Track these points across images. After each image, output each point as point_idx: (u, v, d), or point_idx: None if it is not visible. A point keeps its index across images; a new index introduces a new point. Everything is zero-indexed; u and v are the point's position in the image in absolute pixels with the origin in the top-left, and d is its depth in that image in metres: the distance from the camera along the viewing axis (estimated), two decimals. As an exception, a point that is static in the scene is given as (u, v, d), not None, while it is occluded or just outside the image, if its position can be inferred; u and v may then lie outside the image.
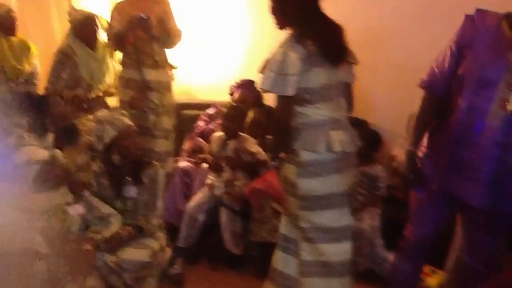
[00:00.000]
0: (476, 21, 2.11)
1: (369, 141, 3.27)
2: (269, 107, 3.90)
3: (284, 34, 2.26)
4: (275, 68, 2.12)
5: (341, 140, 2.23)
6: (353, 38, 3.86)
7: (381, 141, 3.34)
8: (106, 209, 2.68)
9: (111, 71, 3.70)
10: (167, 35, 3.55)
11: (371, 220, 3.11)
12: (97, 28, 3.57)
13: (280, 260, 2.43)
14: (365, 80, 3.96)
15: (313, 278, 2.28)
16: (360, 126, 3.68)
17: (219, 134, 3.46)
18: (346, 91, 2.35)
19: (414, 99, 3.67)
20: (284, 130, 2.21)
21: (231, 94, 3.92)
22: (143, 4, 3.51)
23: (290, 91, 2.13)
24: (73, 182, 2.66)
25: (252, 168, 3.26)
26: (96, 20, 3.56)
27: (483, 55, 2.05)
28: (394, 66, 3.89)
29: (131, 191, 2.73)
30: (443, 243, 2.91)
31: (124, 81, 3.62)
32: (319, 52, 2.15)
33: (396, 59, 3.88)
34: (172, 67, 3.91)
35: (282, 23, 2.25)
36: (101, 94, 3.65)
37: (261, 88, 2.20)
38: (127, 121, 2.74)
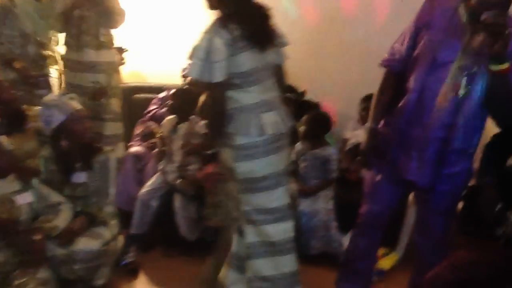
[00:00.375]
0: (435, 3, 2.12)
1: (320, 123, 3.28)
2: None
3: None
4: (201, 55, 2.13)
5: (273, 122, 2.27)
6: (306, 20, 3.96)
7: (331, 123, 3.37)
8: (55, 197, 2.58)
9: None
10: (109, 13, 3.42)
11: (325, 203, 3.14)
12: None
13: (234, 241, 2.46)
14: (318, 62, 4.01)
15: (259, 259, 2.33)
16: (311, 108, 3.73)
17: (170, 117, 3.39)
18: (277, 72, 2.38)
19: (367, 82, 3.73)
20: (218, 116, 2.23)
21: (184, 77, 3.84)
22: None
23: (218, 77, 2.13)
24: (21, 170, 2.55)
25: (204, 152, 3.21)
26: None
27: (437, 36, 2.06)
28: (346, 48, 3.92)
29: (81, 177, 2.65)
30: (394, 225, 2.98)
31: (70, 63, 3.49)
32: (245, 36, 2.16)
33: (348, 41, 3.91)
34: (122, 50, 3.80)
35: (212, 4, 2.25)
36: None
37: (187, 76, 2.19)
38: (76, 105, 2.64)
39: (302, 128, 3.23)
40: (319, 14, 3.97)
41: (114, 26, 3.53)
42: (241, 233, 2.39)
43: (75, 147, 2.64)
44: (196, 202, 3.14)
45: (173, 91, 3.47)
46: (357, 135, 3.54)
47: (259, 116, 2.24)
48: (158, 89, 4.08)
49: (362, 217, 2.49)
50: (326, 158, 3.22)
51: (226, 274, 2.49)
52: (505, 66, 1.91)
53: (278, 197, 2.31)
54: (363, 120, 3.66)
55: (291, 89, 3.72)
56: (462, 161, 2.16)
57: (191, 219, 3.16)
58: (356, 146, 3.53)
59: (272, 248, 2.32)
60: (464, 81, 2.00)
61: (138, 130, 3.78)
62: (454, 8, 2.05)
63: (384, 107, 2.31)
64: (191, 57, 2.17)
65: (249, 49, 2.18)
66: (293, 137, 3.17)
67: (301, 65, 4.00)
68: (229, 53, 2.13)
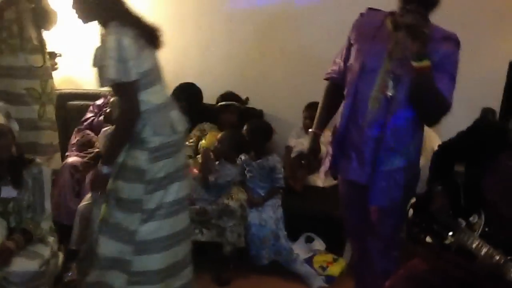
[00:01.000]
0: (365, 17, 2.32)
1: (261, 133, 3.25)
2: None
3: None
4: (114, 55, 2.08)
5: (180, 119, 2.34)
6: (248, 27, 3.91)
7: (272, 131, 3.33)
8: None
9: None
10: (41, 14, 3.24)
11: (273, 213, 3.09)
12: None
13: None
14: (261, 69, 3.97)
15: (155, 253, 2.29)
16: (255, 117, 3.68)
17: (105, 129, 3.21)
18: None
19: (310, 89, 3.73)
20: (133, 120, 2.18)
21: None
22: None
23: (134, 76, 2.12)
24: None
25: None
26: None
27: (366, 45, 2.22)
28: (288, 55, 3.91)
29: (10, 191, 2.43)
30: (340, 230, 2.98)
31: (3, 70, 3.23)
32: (141, 35, 2.17)
33: (290, 48, 3.90)
34: (55, 54, 3.63)
35: (87, 17, 2.27)
36: None
37: (104, 80, 2.14)
38: None
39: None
40: (261, 22, 3.92)
41: (47, 28, 3.35)
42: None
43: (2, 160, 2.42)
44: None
45: (111, 99, 3.30)
46: (302, 143, 3.53)
47: (169, 115, 2.27)
48: (94, 96, 3.88)
49: (345, 226, 2.57)
50: (272, 167, 3.17)
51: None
52: (425, 63, 2.04)
53: (184, 188, 2.36)
54: (306, 128, 3.64)
55: (234, 96, 3.65)
56: (396, 159, 2.25)
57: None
58: (300, 154, 3.51)
59: (171, 241, 2.31)
60: (391, 83, 2.16)
61: (75, 139, 3.57)
62: (382, 20, 2.23)
63: (327, 114, 2.46)
64: (97, 62, 2.12)
65: (148, 47, 2.20)
66: (243, 145, 3.13)
67: (243, 72, 3.97)
68: (138, 51, 2.13)
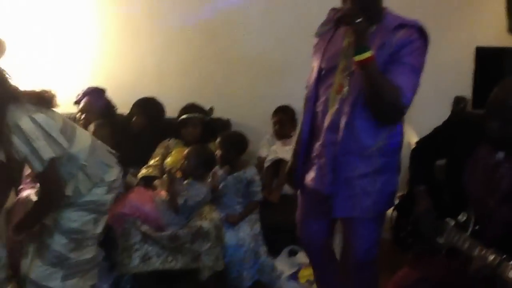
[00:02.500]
0: (325, 20, 2.19)
1: (235, 144, 3.06)
2: (122, 118, 3.53)
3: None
4: (38, 135, 1.97)
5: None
6: (203, 31, 3.76)
7: (246, 142, 3.16)
8: None
9: None
10: None
11: (250, 229, 2.93)
12: None
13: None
14: (223, 77, 3.83)
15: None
16: (223, 127, 3.50)
17: None
18: None
19: (276, 94, 3.63)
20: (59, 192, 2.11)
21: (77, 103, 3.45)
22: None
23: (65, 144, 2.07)
24: None
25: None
26: None
27: (324, 46, 2.15)
28: (249, 61, 3.78)
29: None
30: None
31: None
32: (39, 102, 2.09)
33: (250, 54, 3.78)
34: None
35: None
36: None
37: (44, 162, 2.00)
38: None
39: (218, 152, 2.99)
40: (217, 27, 3.78)
41: None
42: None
43: None
44: (106, 248, 2.76)
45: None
46: (275, 150, 3.38)
47: (99, 161, 2.25)
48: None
49: (302, 241, 2.44)
50: (249, 179, 3.00)
51: None
52: (365, 55, 1.90)
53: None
54: (277, 134, 3.50)
55: (196, 108, 3.45)
56: (357, 164, 2.07)
57: (101, 268, 2.77)
58: (275, 162, 3.38)
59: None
60: (346, 81, 2.04)
61: (29, 170, 3.32)
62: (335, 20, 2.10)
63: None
64: (26, 147, 1.95)
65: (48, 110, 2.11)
66: (211, 161, 2.95)
67: (204, 81, 3.82)
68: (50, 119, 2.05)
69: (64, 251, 2.16)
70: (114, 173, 2.32)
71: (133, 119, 3.42)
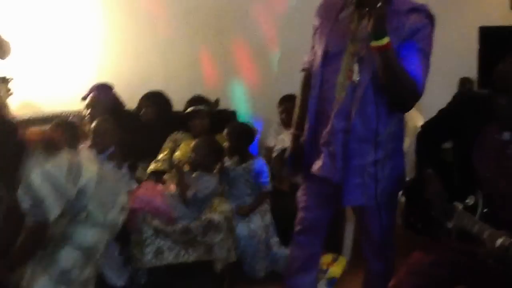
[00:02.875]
0: (325, 1, 2.16)
1: (243, 135, 3.06)
2: (129, 113, 3.54)
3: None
4: (46, 193, 2.02)
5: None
6: (207, 22, 3.75)
7: (254, 132, 3.17)
8: None
9: None
10: None
11: (261, 220, 2.93)
12: None
13: None
14: (227, 67, 3.81)
15: None
16: (229, 119, 3.51)
17: None
18: None
19: (283, 82, 3.61)
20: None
21: (84, 98, 3.47)
22: None
23: (72, 191, 2.14)
24: None
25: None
26: None
27: (328, 28, 2.06)
28: (254, 51, 3.77)
29: None
30: (337, 227, 2.85)
31: None
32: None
33: (255, 43, 3.76)
34: (7, 80, 3.48)
35: None
36: None
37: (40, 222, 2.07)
38: None
39: (226, 144, 2.99)
40: (220, 18, 3.76)
41: (1, 57, 3.23)
42: None
43: None
44: (120, 244, 2.80)
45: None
46: (282, 139, 3.38)
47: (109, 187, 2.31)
48: (55, 118, 3.65)
49: (298, 226, 2.34)
50: (258, 170, 3.00)
51: None
52: (384, 41, 1.86)
53: None
54: (284, 123, 3.50)
55: (202, 100, 3.46)
56: (369, 151, 2.05)
57: (116, 263, 2.81)
58: (283, 151, 3.37)
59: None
60: (356, 67, 1.98)
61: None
62: (343, 1, 2.07)
63: (305, 109, 2.20)
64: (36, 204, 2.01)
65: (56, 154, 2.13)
66: (219, 152, 2.96)
67: (211, 74, 3.81)
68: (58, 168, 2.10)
69: (72, 266, 2.17)
70: (124, 195, 2.40)
71: (142, 111, 3.42)
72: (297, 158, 2.25)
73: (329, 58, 2.05)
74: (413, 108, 3.15)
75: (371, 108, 2.01)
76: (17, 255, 2.14)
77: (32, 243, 2.13)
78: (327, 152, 2.08)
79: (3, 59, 3.24)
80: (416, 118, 3.17)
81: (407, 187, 2.41)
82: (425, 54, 2.00)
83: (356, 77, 1.98)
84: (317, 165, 2.13)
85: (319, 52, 2.08)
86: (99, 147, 3.03)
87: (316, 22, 2.16)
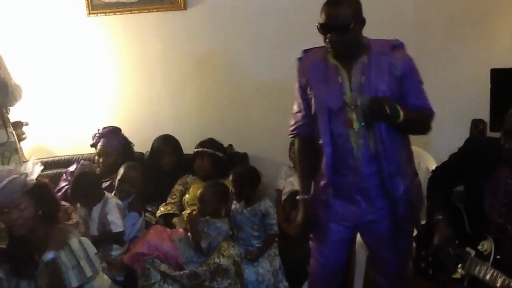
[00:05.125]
0: (304, 61, 2.23)
1: (248, 180, 3.03)
2: (141, 156, 3.57)
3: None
4: (83, 256, 2.22)
5: None
6: (218, 66, 3.79)
7: (259, 176, 3.15)
8: None
9: None
10: (3, 92, 3.10)
11: (270, 265, 2.88)
12: None
13: None
14: (239, 110, 3.83)
15: None
16: (241, 161, 3.50)
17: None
18: None
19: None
20: None
21: (94, 146, 3.50)
22: None
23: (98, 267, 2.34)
24: None
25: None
26: None
27: (321, 89, 2.15)
28: (264, 93, 3.77)
29: None
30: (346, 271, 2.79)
31: None
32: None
33: (265, 85, 3.76)
34: (21, 124, 3.51)
35: None
36: None
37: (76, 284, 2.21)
38: None
39: (232, 189, 2.99)
40: (232, 61, 3.80)
41: (11, 104, 3.22)
42: None
43: None
44: (126, 288, 2.78)
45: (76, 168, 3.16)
46: (291, 182, 3.36)
47: None
48: (67, 162, 3.71)
49: (313, 274, 2.44)
50: (264, 212, 2.97)
51: None
52: (401, 117, 2.04)
53: None
54: (296, 164, 3.47)
55: (213, 142, 3.46)
56: (402, 181, 2.19)
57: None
58: (293, 193, 3.35)
59: None
60: (354, 115, 2.10)
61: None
62: (323, 57, 2.17)
63: (310, 173, 2.33)
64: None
65: None
66: (226, 196, 2.95)
67: (221, 118, 3.83)
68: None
69: None
70: None
71: (165, 159, 3.43)
72: (311, 221, 2.33)
73: (334, 115, 2.14)
74: (425, 151, 3.18)
75: (395, 144, 2.15)
76: None
77: None
78: (363, 198, 2.19)
79: (12, 106, 3.25)
80: (426, 159, 3.14)
81: (418, 232, 2.38)
82: (421, 83, 2.19)
83: (356, 125, 2.10)
84: (356, 214, 2.23)
85: (323, 113, 2.15)
86: (122, 194, 3.07)
87: (302, 82, 2.23)
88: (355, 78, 2.11)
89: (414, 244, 2.37)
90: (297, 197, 2.37)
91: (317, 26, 2.08)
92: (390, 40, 2.16)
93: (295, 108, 2.30)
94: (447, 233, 2.12)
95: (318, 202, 2.27)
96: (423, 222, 2.37)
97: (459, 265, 2.09)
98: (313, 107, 2.19)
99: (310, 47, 2.28)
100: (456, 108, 3.45)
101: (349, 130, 2.11)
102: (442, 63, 3.45)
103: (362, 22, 2.10)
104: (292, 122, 2.32)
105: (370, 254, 2.49)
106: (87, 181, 3.01)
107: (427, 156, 3.21)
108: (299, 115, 2.27)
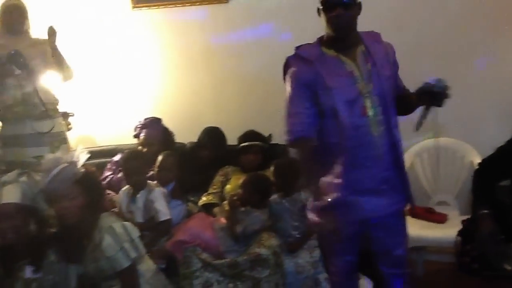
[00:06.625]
0: (304, 56, 2.15)
1: (289, 174, 3.01)
2: (182, 146, 3.63)
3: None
4: (126, 238, 2.29)
5: None
6: (260, 57, 3.81)
7: (299, 168, 3.14)
8: None
9: None
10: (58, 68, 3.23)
11: (309, 256, 2.88)
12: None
13: None
14: (280, 101, 3.82)
15: None
16: (280, 154, 3.51)
17: (124, 189, 3.10)
18: None
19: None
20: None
21: (136, 136, 3.58)
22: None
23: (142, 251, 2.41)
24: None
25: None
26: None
27: (335, 80, 2.06)
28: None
29: (29, 272, 2.33)
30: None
31: (6, 139, 3.23)
32: None
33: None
34: (68, 114, 3.60)
35: None
36: None
37: (127, 264, 2.30)
38: (2, 198, 2.32)
39: (273, 180, 3.01)
40: (274, 53, 3.81)
41: (63, 80, 3.33)
42: None
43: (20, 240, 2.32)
44: (169, 276, 2.81)
45: (122, 155, 3.23)
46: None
47: None
48: (111, 152, 3.77)
49: (335, 276, 2.39)
50: (304, 202, 2.96)
51: None
52: None
53: None
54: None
55: (256, 135, 3.49)
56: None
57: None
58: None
59: None
60: (368, 102, 2.06)
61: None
62: (319, 52, 2.13)
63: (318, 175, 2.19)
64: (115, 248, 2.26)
65: None
66: (267, 188, 2.97)
67: (262, 109, 3.84)
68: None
69: None
70: None
71: (205, 151, 3.49)
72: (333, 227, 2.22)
73: (350, 105, 2.06)
74: (468, 143, 3.13)
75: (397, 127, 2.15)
76: None
77: None
78: (389, 187, 2.12)
79: (64, 82, 3.34)
80: (471, 154, 3.09)
81: (463, 227, 2.35)
82: None
83: (371, 112, 2.06)
84: (380, 206, 2.13)
85: (341, 103, 2.05)
86: (162, 181, 3.11)
87: (305, 77, 2.11)
88: (362, 66, 2.10)
89: (458, 238, 2.34)
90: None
91: (318, 8, 2.11)
92: (373, 32, 2.21)
93: (294, 108, 2.13)
94: (491, 227, 2.09)
95: (336, 203, 2.14)
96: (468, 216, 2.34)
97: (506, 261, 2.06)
98: (323, 103, 2.07)
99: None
100: (499, 101, 3.37)
101: (367, 119, 2.07)
102: (486, 56, 3.37)
103: (359, 7, 2.12)
104: (292, 124, 2.13)
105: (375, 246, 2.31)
106: (138, 157, 3.08)
107: (471, 150, 3.16)
108: (302, 115, 2.10)
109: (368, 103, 2.06)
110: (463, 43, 3.39)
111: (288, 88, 2.16)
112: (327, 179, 2.12)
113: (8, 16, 3.25)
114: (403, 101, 2.17)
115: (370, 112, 2.06)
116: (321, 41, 2.17)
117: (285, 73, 2.19)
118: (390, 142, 2.10)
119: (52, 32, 3.14)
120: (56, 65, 3.22)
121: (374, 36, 2.18)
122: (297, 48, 2.20)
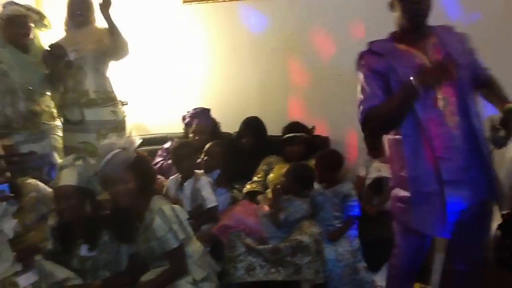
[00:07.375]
0: (377, 50, 2.20)
1: (330, 165, 3.14)
2: (228, 136, 3.75)
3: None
4: (175, 220, 2.41)
5: None
6: (303, 54, 3.88)
7: (342, 160, 3.21)
8: (62, 273, 2.40)
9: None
10: (113, 46, 3.31)
11: (349, 245, 2.96)
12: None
13: None
14: (323, 95, 3.89)
15: None
16: (323, 145, 3.58)
17: (173, 177, 3.22)
18: None
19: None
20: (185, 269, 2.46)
21: (188, 125, 3.72)
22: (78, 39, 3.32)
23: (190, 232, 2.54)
24: (21, 248, 2.39)
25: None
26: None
27: (408, 73, 2.05)
28: (348, 79, 3.79)
29: (85, 250, 2.50)
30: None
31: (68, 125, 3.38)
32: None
33: (349, 71, 3.77)
34: (122, 103, 3.68)
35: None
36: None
37: (176, 244, 2.41)
38: (60, 181, 2.49)
39: (315, 171, 3.09)
40: (316, 47, 3.88)
41: (117, 58, 3.41)
42: None
43: (76, 220, 2.50)
44: (214, 258, 2.93)
45: (172, 144, 3.32)
46: (377, 168, 3.39)
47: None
48: (162, 140, 3.94)
49: (396, 268, 2.40)
50: (346, 193, 3.06)
51: None
52: None
53: None
54: (372, 155, 3.47)
55: (300, 126, 3.58)
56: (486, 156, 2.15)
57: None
58: (377, 180, 3.38)
59: None
60: (439, 94, 2.07)
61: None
62: (391, 46, 2.18)
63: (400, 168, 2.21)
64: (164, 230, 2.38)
65: None
66: (309, 178, 3.04)
67: (306, 101, 3.92)
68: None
69: None
70: None
71: (244, 139, 3.62)
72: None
73: (421, 98, 2.05)
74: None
75: (477, 117, 2.14)
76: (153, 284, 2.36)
77: (169, 280, 2.38)
78: (474, 177, 2.09)
79: (118, 59, 3.39)
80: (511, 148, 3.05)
81: (503, 221, 2.35)
82: None
83: (441, 103, 2.07)
84: (467, 194, 2.10)
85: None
86: (208, 168, 3.21)
87: (379, 65, 2.15)
88: (433, 58, 2.11)
89: (498, 232, 2.34)
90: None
91: (391, 1, 2.17)
92: (444, 25, 2.26)
93: (365, 94, 2.17)
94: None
95: (417, 195, 2.13)
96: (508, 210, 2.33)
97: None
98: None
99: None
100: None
101: (440, 111, 2.07)
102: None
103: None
104: (364, 104, 2.16)
105: (450, 241, 2.32)
106: (188, 146, 3.20)
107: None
108: (375, 97, 2.13)
109: (439, 94, 2.07)
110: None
111: (361, 77, 2.22)
112: (406, 171, 2.13)
113: (74, 8, 3.35)
114: (488, 98, 2.21)
115: (442, 103, 2.07)
116: (393, 36, 2.22)
117: (359, 66, 2.26)
118: (468, 132, 2.08)
119: (106, 3, 3.13)
120: (112, 36, 3.24)
121: (447, 28, 2.23)
122: (370, 43, 2.25)
